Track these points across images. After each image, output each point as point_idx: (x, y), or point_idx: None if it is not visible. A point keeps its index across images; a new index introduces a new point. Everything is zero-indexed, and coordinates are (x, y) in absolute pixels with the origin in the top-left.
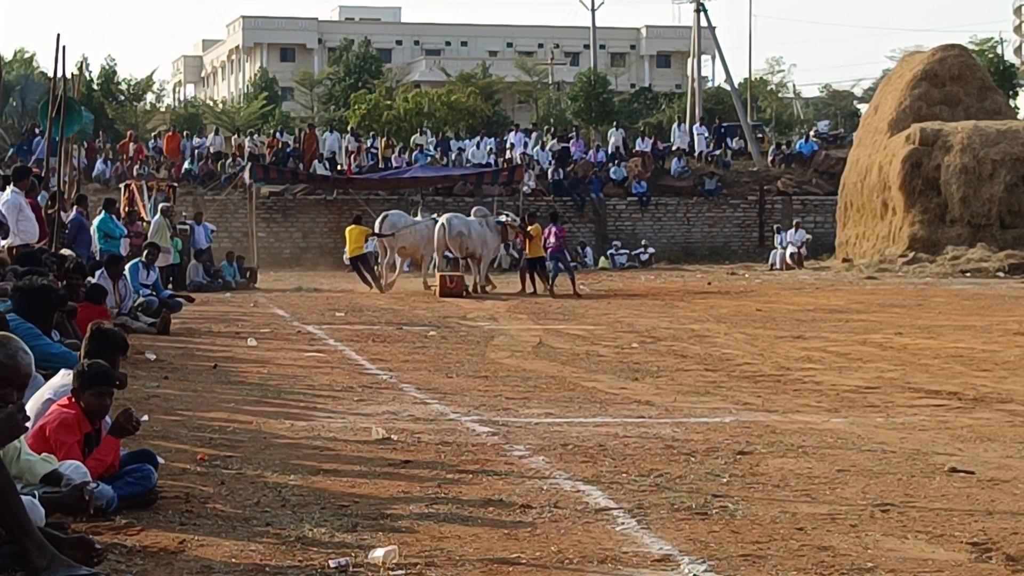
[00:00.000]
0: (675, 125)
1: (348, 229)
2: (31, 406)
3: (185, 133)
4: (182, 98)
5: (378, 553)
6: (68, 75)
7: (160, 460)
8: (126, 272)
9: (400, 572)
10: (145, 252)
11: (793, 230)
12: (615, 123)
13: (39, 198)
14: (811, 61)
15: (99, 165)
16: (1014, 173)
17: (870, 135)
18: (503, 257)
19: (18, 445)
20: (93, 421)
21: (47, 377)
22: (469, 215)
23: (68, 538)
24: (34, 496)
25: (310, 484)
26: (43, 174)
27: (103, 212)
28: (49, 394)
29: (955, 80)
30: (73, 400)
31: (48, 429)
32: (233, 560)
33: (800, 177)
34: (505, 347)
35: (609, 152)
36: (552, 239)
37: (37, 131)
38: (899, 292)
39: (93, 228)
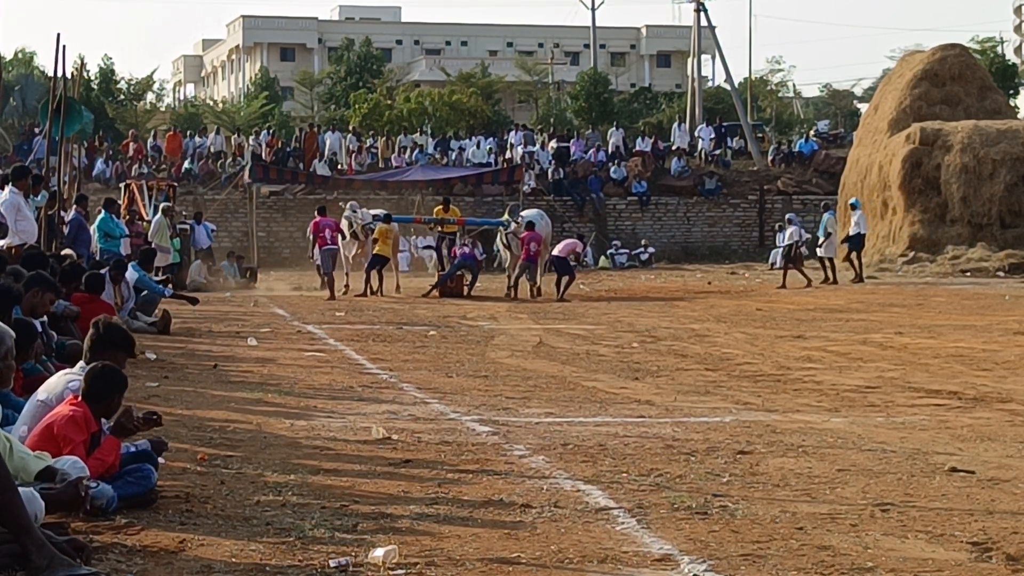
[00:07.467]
0: (675, 125)
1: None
2: (25, 408)
3: (188, 133)
4: (182, 98)
5: (378, 553)
6: (68, 75)
7: (160, 460)
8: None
9: (400, 572)
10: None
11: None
12: (615, 123)
13: (39, 198)
14: (811, 61)
15: (99, 165)
16: (1014, 173)
17: (870, 135)
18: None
19: (9, 444)
20: (99, 421)
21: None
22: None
23: (60, 541)
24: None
25: (310, 484)
26: (43, 174)
27: (103, 212)
28: (42, 396)
29: (955, 80)
30: (81, 399)
31: (56, 426)
32: (233, 560)
33: (800, 177)
34: (505, 347)
35: (609, 152)
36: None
37: (37, 131)
38: (899, 292)
39: (93, 228)
